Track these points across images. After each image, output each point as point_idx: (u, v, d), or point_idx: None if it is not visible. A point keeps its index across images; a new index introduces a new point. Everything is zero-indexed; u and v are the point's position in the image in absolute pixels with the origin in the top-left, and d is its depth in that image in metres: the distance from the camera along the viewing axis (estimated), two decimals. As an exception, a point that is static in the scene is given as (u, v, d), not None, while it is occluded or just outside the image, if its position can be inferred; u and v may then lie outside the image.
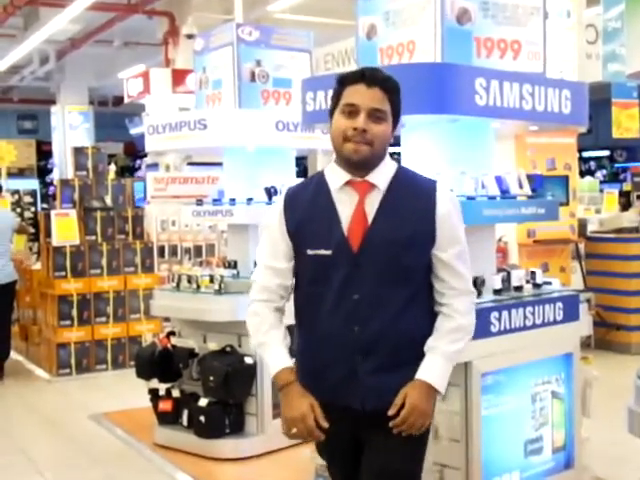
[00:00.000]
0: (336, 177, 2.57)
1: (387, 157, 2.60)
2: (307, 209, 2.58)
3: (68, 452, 5.70)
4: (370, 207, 2.53)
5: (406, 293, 2.54)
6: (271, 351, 2.61)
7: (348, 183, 2.55)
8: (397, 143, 4.19)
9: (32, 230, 11.07)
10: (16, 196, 12.66)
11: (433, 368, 2.53)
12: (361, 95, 2.47)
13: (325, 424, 2.51)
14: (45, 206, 14.56)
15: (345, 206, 2.54)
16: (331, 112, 2.56)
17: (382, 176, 2.56)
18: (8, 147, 12.55)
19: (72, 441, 5.94)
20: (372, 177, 2.54)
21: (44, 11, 12.21)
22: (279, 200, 2.69)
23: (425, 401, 2.50)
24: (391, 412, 2.46)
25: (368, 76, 2.49)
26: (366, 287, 2.51)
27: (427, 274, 2.59)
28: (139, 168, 18.95)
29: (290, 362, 2.58)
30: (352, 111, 2.47)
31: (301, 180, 2.79)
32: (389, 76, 2.55)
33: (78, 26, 12.89)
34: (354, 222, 2.52)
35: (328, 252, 2.51)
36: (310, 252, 2.55)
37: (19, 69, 16.30)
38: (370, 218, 2.52)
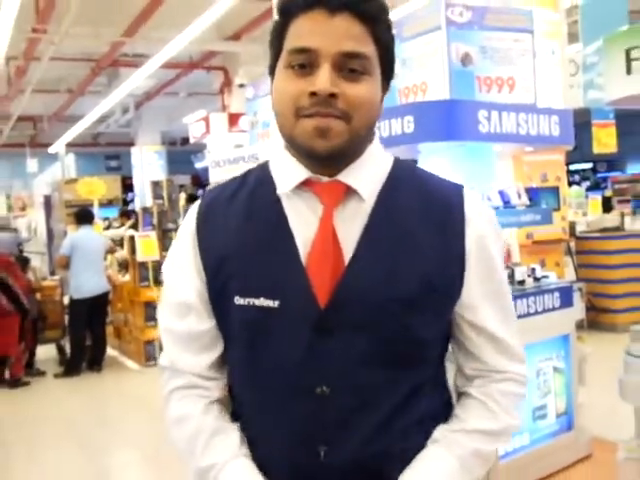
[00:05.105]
0: (288, 172, 1.19)
1: (376, 144, 1.22)
2: (236, 227, 1.20)
3: (160, 428, 5.75)
4: (345, 229, 1.15)
5: (412, 382, 1.18)
6: (228, 474, 1.18)
7: (306, 183, 1.18)
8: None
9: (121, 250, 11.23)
10: (106, 222, 12.84)
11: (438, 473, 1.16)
12: (321, 30, 1.09)
13: None
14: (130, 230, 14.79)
15: (302, 222, 1.17)
16: (272, 69, 1.18)
17: (367, 176, 1.18)
18: (98, 182, 12.77)
19: (163, 419, 5.97)
20: (348, 177, 1.16)
21: (124, 70, 12.41)
22: (190, 215, 1.27)
23: None
24: None
25: None
26: (340, 372, 1.13)
27: (444, 348, 1.27)
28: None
29: None
30: (306, 62, 1.10)
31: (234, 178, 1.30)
32: None
33: (152, 81, 13.06)
34: (317, 254, 1.14)
35: (273, 303, 1.14)
36: (240, 301, 1.16)
37: (105, 118, 16.53)
38: (348, 249, 1.15)
